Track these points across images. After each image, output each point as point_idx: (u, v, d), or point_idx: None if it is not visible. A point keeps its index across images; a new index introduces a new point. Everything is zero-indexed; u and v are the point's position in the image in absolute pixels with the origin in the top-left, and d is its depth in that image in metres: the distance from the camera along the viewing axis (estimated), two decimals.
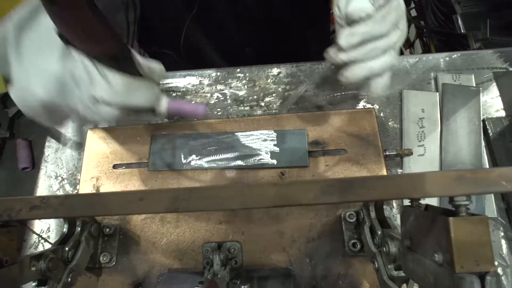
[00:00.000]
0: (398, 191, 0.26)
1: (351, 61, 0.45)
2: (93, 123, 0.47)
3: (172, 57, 0.84)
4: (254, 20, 0.74)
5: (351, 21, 0.44)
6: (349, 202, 0.28)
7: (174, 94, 0.64)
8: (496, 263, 0.50)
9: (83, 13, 0.34)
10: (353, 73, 0.46)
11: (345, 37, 0.44)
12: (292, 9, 0.76)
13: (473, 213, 0.26)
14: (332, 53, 0.46)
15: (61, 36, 0.38)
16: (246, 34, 0.77)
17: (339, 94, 0.61)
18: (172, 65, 0.86)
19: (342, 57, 0.45)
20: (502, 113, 0.58)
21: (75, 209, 0.26)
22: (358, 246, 0.49)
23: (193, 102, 0.49)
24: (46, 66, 0.39)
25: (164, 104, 0.47)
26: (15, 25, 0.39)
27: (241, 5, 0.69)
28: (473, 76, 0.60)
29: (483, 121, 0.57)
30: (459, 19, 0.91)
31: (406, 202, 0.34)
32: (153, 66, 0.45)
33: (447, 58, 0.63)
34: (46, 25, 0.39)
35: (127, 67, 0.41)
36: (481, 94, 0.59)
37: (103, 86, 0.40)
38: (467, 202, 0.26)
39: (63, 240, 0.46)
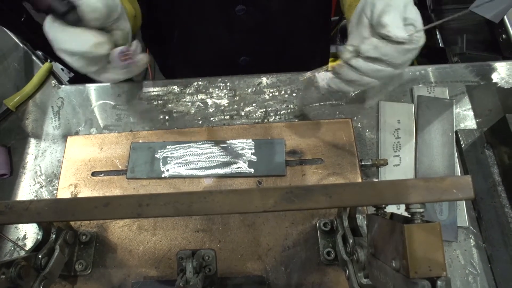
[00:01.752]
0: (356, 198, 0.27)
1: (354, 67, 0.49)
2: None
3: (165, 66, 0.85)
4: (247, 28, 0.73)
5: (378, 32, 0.46)
6: (308, 209, 0.29)
7: (155, 103, 0.65)
8: (467, 271, 0.51)
9: None
10: (347, 87, 0.52)
11: (368, 45, 0.47)
12: (288, 17, 0.76)
13: (428, 220, 0.27)
14: (347, 54, 0.49)
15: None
16: (240, 43, 0.76)
17: (317, 104, 0.63)
18: (165, 73, 0.85)
19: (353, 62, 0.49)
20: (474, 125, 0.60)
21: (40, 214, 0.26)
22: (333, 254, 0.50)
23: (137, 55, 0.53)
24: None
25: (114, 52, 0.51)
26: None
27: (232, 12, 0.69)
28: (447, 89, 0.62)
29: (456, 132, 0.59)
30: (438, 33, 0.94)
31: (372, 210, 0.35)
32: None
33: (423, 71, 0.65)
34: None
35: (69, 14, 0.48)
36: (454, 106, 0.60)
37: (53, 35, 0.48)
38: (421, 210, 0.27)
39: (37, 247, 0.45)
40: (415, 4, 0.50)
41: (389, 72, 0.50)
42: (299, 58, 0.85)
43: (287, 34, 0.78)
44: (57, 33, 0.48)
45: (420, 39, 0.46)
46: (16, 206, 0.27)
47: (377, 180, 0.57)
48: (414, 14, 0.47)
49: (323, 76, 0.54)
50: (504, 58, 0.82)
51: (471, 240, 0.52)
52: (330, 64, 0.53)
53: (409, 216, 0.28)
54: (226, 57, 0.79)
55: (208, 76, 0.67)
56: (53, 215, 0.27)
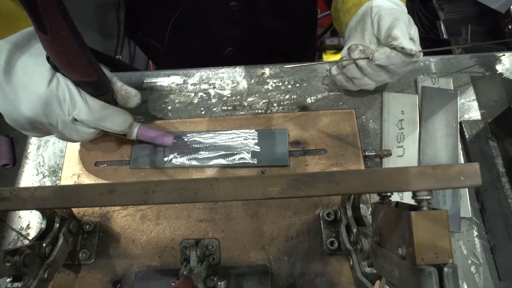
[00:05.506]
0: (363, 185, 0.26)
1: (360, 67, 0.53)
2: (70, 140, 0.52)
3: (156, 46, 0.86)
4: (237, 23, 0.77)
5: (388, 43, 0.49)
6: (315, 196, 0.29)
7: (158, 93, 0.64)
8: (469, 261, 0.51)
9: (70, 44, 0.39)
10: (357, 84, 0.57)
11: (381, 54, 0.49)
12: (279, 16, 0.80)
13: (434, 207, 0.26)
14: (357, 52, 0.52)
15: (50, 61, 0.43)
16: (228, 35, 0.80)
17: (320, 95, 0.62)
18: (156, 54, 0.88)
19: (361, 63, 0.53)
20: (478, 116, 0.59)
21: (45, 201, 0.26)
22: (336, 244, 0.50)
23: (161, 131, 0.56)
24: (35, 88, 0.43)
25: (135, 131, 0.53)
26: (9, 47, 0.43)
27: (226, 8, 0.73)
28: (451, 79, 0.62)
29: (460, 123, 0.58)
30: (442, 25, 0.93)
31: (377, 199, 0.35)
32: (130, 89, 0.52)
33: (427, 62, 0.64)
34: (38, 50, 0.44)
35: (105, 94, 0.48)
36: (458, 97, 0.60)
37: (83, 109, 0.45)
38: (428, 197, 0.27)
39: (41, 236, 0.45)
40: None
41: (386, 78, 0.55)
42: (286, 53, 0.91)
43: (276, 31, 0.83)
44: (97, 110, 0.47)
45: (421, 54, 0.51)
46: (22, 192, 0.27)
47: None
48: (415, 31, 0.53)
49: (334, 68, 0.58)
50: (509, 49, 0.81)
51: (474, 231, 0.52)
52: (339, 59, 0.55)
53: (416, 203, 0.28)
54: (214, 46, 0.83)
55: (195, 62, 0.67)
56: (58, 201, 0.27)
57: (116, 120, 0.49)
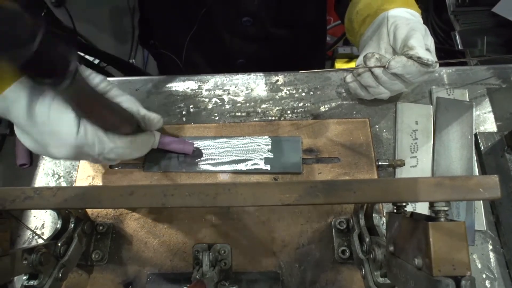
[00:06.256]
0: (381, 194, 0.26)
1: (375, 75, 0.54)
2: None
3: (170, 57, 0.88)
4: (249, 37, 0.80)
5: (405, 53, 0.50)
6: (332, 204, 0.29)
7: (173, 98, 0.65)
8: (484, 275, 0.50)
9: (103, 110, 0.42)
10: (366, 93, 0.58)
11: (397, 62, 0.50)
12: (290, 30, 0.83)
13: (452, 219, 0.26)
14: (373, 60, 0.52)
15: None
16: (240, 48, 0.83)
17: (334, 103, 0.63)
18: (170, 63, 0.91)
19: (377, 71, 0.53)
20: (494, 128, 0.59)
21: (66, 201, 0.27)
22: (348, 253, 0.49)
23: (181, 139, 0.58)
24: (64, 135, 0.42)
25: (156, 142, 0.54)
26: (28, 92, 0.41)
27: (239, 23, 0.76)
28: (466, 91, 0.61)
29: (475, 135, 0.58)
30: (457, 36, 0.92)
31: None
32: (153, 117, 0.51)
33: (442, 73, 0.64)
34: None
35: (131, 131, 0.49)
36: (474, 109, 0.60)
37: (113, 150, 0.46)
38: (446, 208, 0.27)
39: (56, 235, 0.46)
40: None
41: (401, 88, 0.55)
42: (295, 62, 0.92)
43: (286, 41, 0.85)
44: (127, 147, 0.47)
45: (437, 65, 0.51)
46: (45, 192, 0.27)
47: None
48: (431, 42, 0.53)
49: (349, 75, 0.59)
50: None
51: (489, 245, 0.52)
52: (354, 67, 0.56)
53: (433, 214, 0.28)
54: (225, 58, 0.86)
55: (202, 72, 0.69)
56: (80, 202, 0.27)
57: (143, 148, 0.52)
